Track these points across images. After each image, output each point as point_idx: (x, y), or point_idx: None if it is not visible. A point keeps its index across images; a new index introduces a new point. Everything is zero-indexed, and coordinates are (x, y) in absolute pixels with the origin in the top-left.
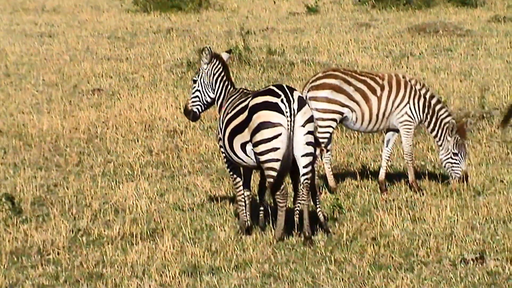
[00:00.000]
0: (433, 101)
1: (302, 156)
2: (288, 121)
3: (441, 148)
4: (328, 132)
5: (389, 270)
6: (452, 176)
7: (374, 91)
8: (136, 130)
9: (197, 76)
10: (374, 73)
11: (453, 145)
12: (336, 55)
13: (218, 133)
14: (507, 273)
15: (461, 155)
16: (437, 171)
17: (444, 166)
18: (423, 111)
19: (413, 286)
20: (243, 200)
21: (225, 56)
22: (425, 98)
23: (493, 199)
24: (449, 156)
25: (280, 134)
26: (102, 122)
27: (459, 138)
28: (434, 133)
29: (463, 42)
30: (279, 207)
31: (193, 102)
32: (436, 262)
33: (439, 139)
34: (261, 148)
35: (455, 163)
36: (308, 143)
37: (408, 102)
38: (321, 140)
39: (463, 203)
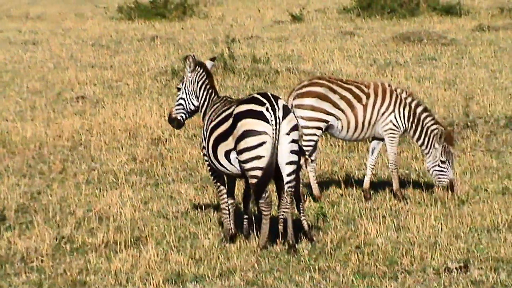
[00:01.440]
0: (419, 110)
1: (286, 164)
2: (273, 129)
3: (428, 156)
4: (313, 140)
5: (373, 278)
6: (438, 184)
7: (359, 99)
8: (120, 138)
9: (181, 84)
10: (360, 82)
11: (441, 152)
12: (320, 63)
13: (202, 141)
14: (491, 281)
15: (448, 163)
16: (422, 179)
17: (431, 174)
18: (408, 120)
19: None
20: (227, 208)
21: (209, 64)
22: (410, 107)
23: (477, 208)
24: (436, 164)
25: (264, 142)
26: (86, 129)
27: (447, 145)
28: (420, 141)
29: (447, 51)
30: (263, 215)
31: (177, 109)
32: (420, 271)
33: (426, 147)
34: (246, 156)
35: (442, 171)
36: (292, 151)
37: (393, 111)
38: (306, 148)
39: (447, 212)
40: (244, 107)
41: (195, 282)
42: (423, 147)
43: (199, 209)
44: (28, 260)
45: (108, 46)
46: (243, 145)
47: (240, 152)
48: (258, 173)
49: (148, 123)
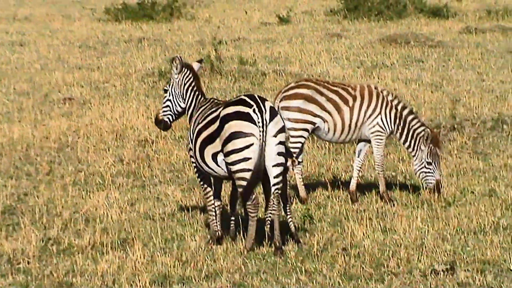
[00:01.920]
0: (405, 112)
1: (273, 166)
2: (260, 131)
3: (414, 158)
4: (300, 142)
5: (359, 280)
6: (425, 186)
7: (346, 102)
8: (107, 140)
9: (168, 86)
10: (347, 84)
11: (427, 154)
12: (307, 65)
13: (189, 143)
14: (478, 284)
15: (434, 164)
16: (408, 181)
17: (418, 176)
18: (394, 122)
19: None
20: (213, 210)
21: (196, 65)
22: (396, 109)
23: (463, 210)
24: (423, 165)
25: (252, 144)
26: (73, 131)
27: (433, 147)
28: (407, 144)
29: (434, 53)
30: (250, 217)
31: (164, 111)
32: (406, 273)
33: (412, 149)
34: (233, 158)
35: (429, 172)
36: (279, 153)
37: (380, 113)
38: (292, 150)
39: (434, 214)
40: (231, 109)
41: (182, 284)
42: (410, 149)
43: (185, 211)
44: (15, 262)
45: (95, 47)
46: (230, 147)
47: (227, 154)
48: (246, 175)
49: (135, 125)
